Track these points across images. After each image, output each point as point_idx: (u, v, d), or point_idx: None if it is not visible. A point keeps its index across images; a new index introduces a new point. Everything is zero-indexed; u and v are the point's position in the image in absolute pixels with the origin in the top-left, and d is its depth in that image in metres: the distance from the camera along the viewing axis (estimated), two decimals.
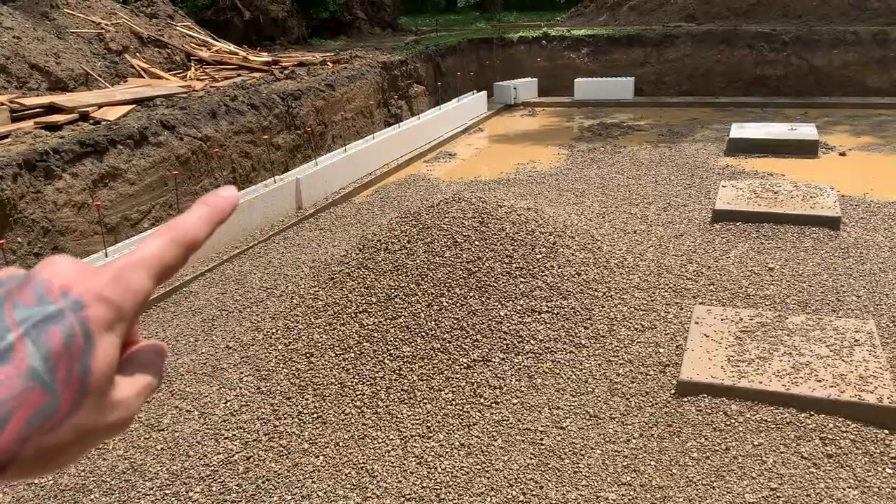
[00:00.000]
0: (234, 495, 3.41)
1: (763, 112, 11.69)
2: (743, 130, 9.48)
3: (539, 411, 3.86)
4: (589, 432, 3.68)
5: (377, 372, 4.18)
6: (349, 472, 3.51)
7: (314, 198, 7.79)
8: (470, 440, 3.68)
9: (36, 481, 3.54)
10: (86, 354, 0.42)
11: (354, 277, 4.85)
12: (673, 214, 6.85)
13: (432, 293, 4.57)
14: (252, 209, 6.88)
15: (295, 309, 4.88)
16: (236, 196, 0.52)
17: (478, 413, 3.87)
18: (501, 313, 4.47)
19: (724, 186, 7.14)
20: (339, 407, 3.98)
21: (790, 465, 3.35)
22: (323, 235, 6.90)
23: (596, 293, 4.80)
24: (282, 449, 3.70)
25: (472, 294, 4.56)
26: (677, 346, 4.36)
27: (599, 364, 4.23)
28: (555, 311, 4.54)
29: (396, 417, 3.87)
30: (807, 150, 8.90)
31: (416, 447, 3.65)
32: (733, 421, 3.65)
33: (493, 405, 3.93)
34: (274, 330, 4.77)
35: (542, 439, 3.65)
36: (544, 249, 4.93)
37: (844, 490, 3.18)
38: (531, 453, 3.55)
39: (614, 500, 3.22)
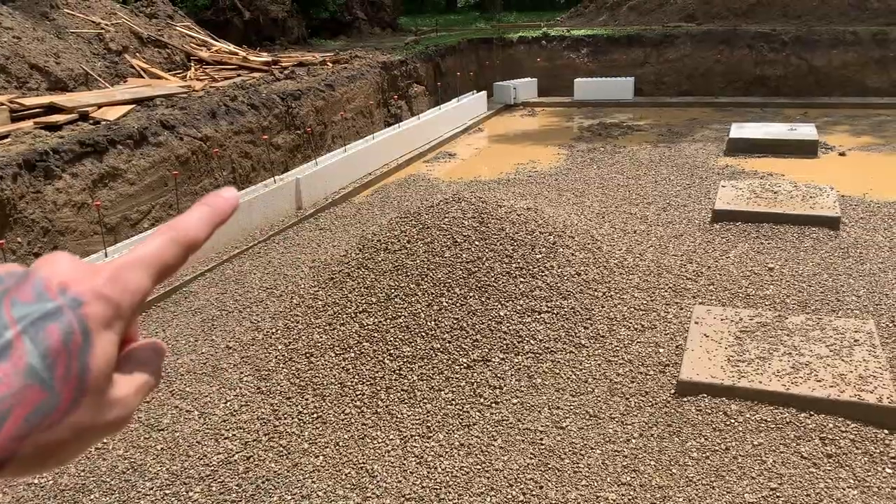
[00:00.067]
0: (234, 495, 3.41)
1: (763, 112, 11.69)
2: (742, 130, 9.48)
3: (539, 411, 3.86)
4: (589, 432, 3.68)
5: (377, 372, 4.18)
6: (349, 472, 3.51)
7: (314, 198, 7.79)
8: (470, 440, 3.68)
9: (35, 481, 3.54)
10: (84, 352, 0.42)
11: (354, 277, 4.85)
12: (673, 214, 6.85)
13: (432, 293, 4.57)
14: (252, 209, 6.87)
15: (295, 309, 4.88)
16: (237, 197, 0.52)
17: (478, 413, 3.87)
18: (501, 313, 4.47)
19: (723, 186, 7.14)
20: (338, 407, 3.98)
21: (790, 465, 3.35)
22: (323, 235, 6.90)
23: (596, 293, 4.80)
24: (282, 449, 3.70)
25: (471, 294, 4.56)
26: (677, 346, 4.36)
27: (599, 364, 4.23)
28: (555, 311, 4.54)
29: (396, 417, 3.87)
30: (806, 150, 8.91)
31: (415, 447, 3.65)
32: (733, 421, 3.65)
33: (493, 405, 3.93)
34: (274, 330, 4.76)
35: (541, 439, 3.65)
36: (544, 249, 4.93)
37: (844, 490, 3.18)
38: (531, 453, 3.55)
39: (614, 500, 3.22)
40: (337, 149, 9.02)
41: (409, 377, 4.13)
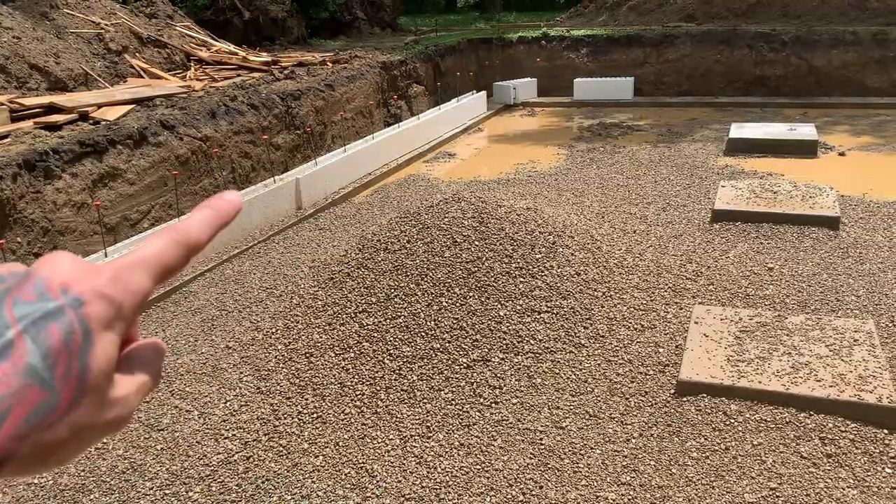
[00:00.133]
0: (234, 495, 3.41)
1: (762, 112, 11.69)
2: (742, 130, 9.48)
3: (539, 411, 3.86)
4: (588, 432, 3.68)
5: (377, 372, 4.18)
6: (349, 472, 3.51)
7: (314, 198, 7.79)
8: (469, 440, 3.68)
9: (35, 481, 3.54)
10: (85, 352, 0.42)
11: (354, 277, 4.85)
12: (672, 214, 6.85)
13: (432, 293, 4.57)
14: (252, 209, 6.87)
15: (294, 309, 4.88)
16: (240, 200, 0.53)
17: (477, 413, 3.87)
18: (501, 313, 4.47)
19: (723, 186, 7.14)
20: (338, 407, 3.98)
21: (790, 465, 3.35)
22: (322, 235, 6.90)
23: (595, 293, 4.80)
24: (281, 449, 3.70)
25: (471, 294, 4.56)
26: (677, 346, 4.36)
27: (599, 364, 4.23)
28: (554, 311, 4.54)
29: (396, 417, 3.87)
30: (806, 150, 8.91)
31: (415, 447, 3.65)
32: (733, 421, 3.65)
33: (493, 405, 3.93)
34: (273, 330, 4.76)
35: (541, 439, 3.65)
36: (544, 249, 4.93)
37: (844, 490, 3.18)
38: (531, 453, 3.55)
39: (614, 500, 3.22)
40: (337, 149, 9.02)
41: (409, 377, 4.13)
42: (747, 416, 3.67)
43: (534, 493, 3.29)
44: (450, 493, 3.33)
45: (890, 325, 4.55)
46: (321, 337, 4.50)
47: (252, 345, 4.68)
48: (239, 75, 9.86)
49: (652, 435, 3.63)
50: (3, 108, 6.34)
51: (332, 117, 9.28)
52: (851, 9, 13.51)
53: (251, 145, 7.78)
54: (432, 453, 3.60)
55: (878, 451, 3.41)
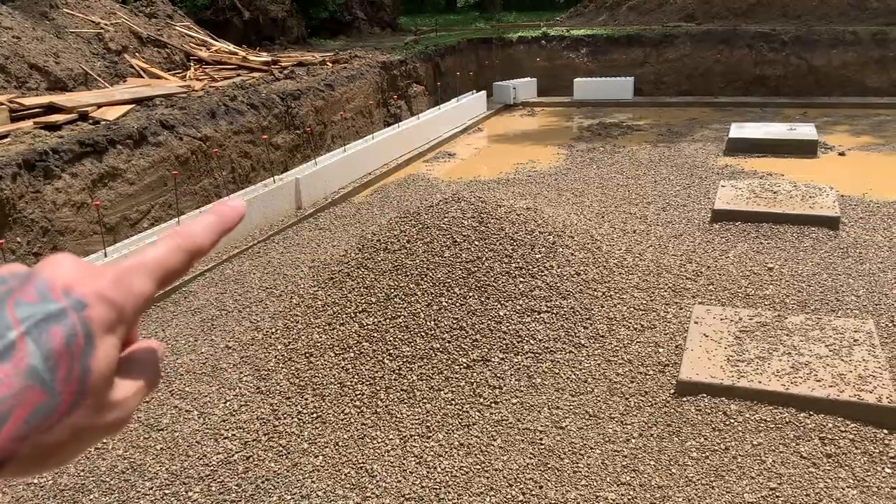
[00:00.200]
0: (234, 495, 3.41)
1: (762, 112, 11.69)
2: (742, 130, 9.48)
3: (538, 411, 3.86)
4: (588, 432, 3.68)
5: (377, 372, 4.18)
6: (348, 472, 3.51)
7: (313, 198, 7.79)
8: (469, 440, 3.68)
9: (35, 481, 3.54)
10: (86, 355, 0.42)
11: (354, 277, 4.85)
12: (672, 214, 6.85)
13: (432, 293, 4.57)
14: (251, 209, 6.87)
15: (294, 309, 4.88)
16: (243, 207, 0.53)
17: (477, 413, 3.87)
18: (501, 313, 4.47)
19: (723, 186, 7.14)
20: (338, 407, 3.98)
21: (789, 465, 3.35)
22: (322, 235, 6.90)
23: (595, 293, 4.80)
24: (281, 449, 3.70)
25: (471, 294, 4.56)
26: (677, 346, 4.36)
27: (599, 364, 4.23)
28: (554, 311, 4.54)
29: (396, 417, 3.87)
30: (806, 149, 8.91)
31: (415, 447, 3.65)
32: (732, 421, 3.66)
33: (493, 405, 3.93)
34: (273, 330, 4.76)
35: (541, 439, 3.65)
36: (544, 249, 4.93)
37: (844, 490, 3.18)
38: (530, 453, 3.55)
39: (614, 500, 3.22)
40: (336, 149, 9.02)
41: (409, 377, 4.13)
42: (747, 416, 3.67)
43: (534, 493, 3.29)
44: (449, 492, 3.33)
45: (890, 325, 4.55)
46: (321, 337, 4.50)
47: (252, 345, 4.68)
48: (239, 75, 9.86)
49: (652, 435, 3.63)
50: (3, 108, 6.34)
51: (331, 117, 9.28)
52: (851, 9, 13.52)
53: (251, 145, 7.78)
54: (432, 453, 3.60)
55: (877, 451, 3.41)
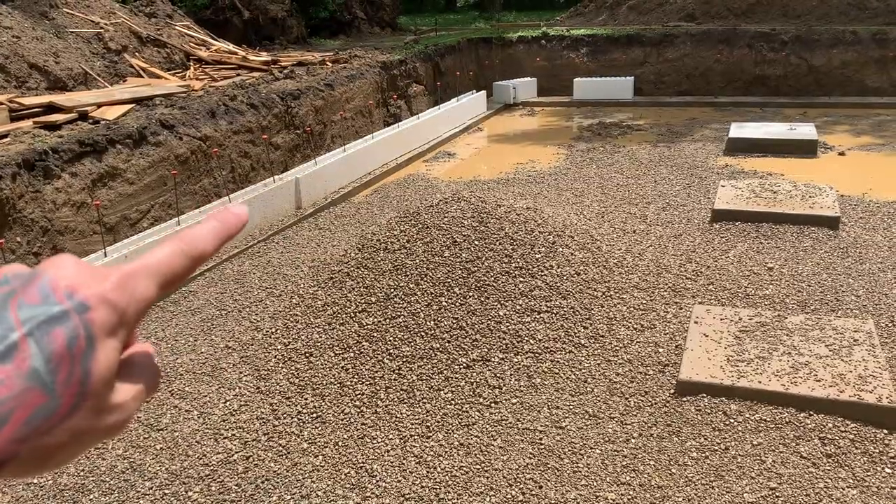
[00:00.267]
0: (234, 495, 3.41)
1: (762, 112, 11.69)
2: (742, 130, 9.48)
3: (538, 411, 3.86)
4: (588, 432, 3.68)
5: (376, 371, 4.18)
6: (348, 472, 3.51)
7: (313, 197, 7.79)
8: (469, 440, 3.68)
9: (35, 481, 3.54)
10: (87, 357, 0.42)
11: (354, 277, 4.85)
12: (672, 214, 6.85)
13: (431, 293, 4.57)
14: (251, 209, 6.85)
15: (294, 308, 4.88)
16: (246, 214, 0.53)
17: (477, 413, 3.87)
18: (501, 313, 4.47)
19: (723, 186, 7.14)
20: (338, 406, 3.98)
21: (789, 465, 3.35)
22: (322, 235, 6.90)
23: (595, 293, 4.80)
24: (281, 448, 3.70)
25: (471, 294, 4.56)
26: (676, 346, 4.36)
27: (599, 364, 4.23)
28: (554, 311, 4.54)
29: (396, 417, 3.87)
30: (806, 149, 8.91)
31: (415, 447, 3.65)
32: (732, 421, 3.66)
33: (493, 405, 3.93)
34: (273, 329, 4.76)
35: (541, 439, 3.65)
36: (543, 249, 4.93)
37: (843, 490, 3.18)
38: (530, 453, 3.55)
39: (613, 500, 3.22)
40: (336, 148, 9.01)
41: (409, 377, 4.13)
42: (747, 416, 3.67)
43: (533, 492, 3.29)
44: (449, 492, 3.33)
45: (890, 325, 4.55)
46: (321, 337, 4.50)
47: (251, 344, 4.68)
48: (238, 75, 9.86)
49: (652, 435, 3.63)
50: (3, 108, 6.34)
51: (331, 117, 9.28)
52: (851, 8, 13.51)
53: (251, 145, 7.78)
54: (432, 453, 3.60)
55: (877, 451, 3.41)
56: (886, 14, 13.11)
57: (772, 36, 12.50)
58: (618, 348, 4.38)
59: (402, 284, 4.65)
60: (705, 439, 3.56)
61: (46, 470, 0.44)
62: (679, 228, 6.44)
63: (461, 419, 3.83)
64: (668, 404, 3.85)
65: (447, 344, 4.29)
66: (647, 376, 4.11)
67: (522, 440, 3.65)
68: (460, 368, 4.17)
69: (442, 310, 4.47)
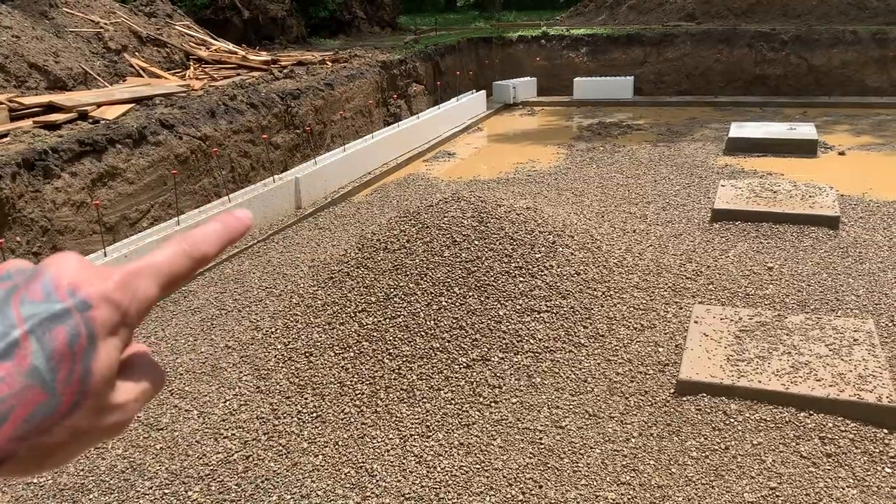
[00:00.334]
0: (234, 495, 3.40)
1: (762, 111, 11.69)
2: (742, 130, 9.48)
3: (538, 410, 3.86)
4: (588, 431, 3.68)
5: (376, 371, 4.18)
6: (348, 472, 3.51)
7: (313, 197, 7.78)
8: (469, 439, 3.68)
9: (35, 480, 3.54)
10: (88, 356, 0.42)
11: (353, 277, 4.85)
12: (672, 214, 6.85)
13: (431, 292, 4.57)
14: (251, 208, 6.85)
15: (294, 308, 4.88)
16: (250, 218, 0.53)
17: (477, 412, 3.87)
18: (500, 312, 4.46)
19: (723, 186, 7.14)
20: (338, 406, 3.98)
21: (789, 465, 3.35)
22: (322, 235, 6.90)
23: (595, 292, 4.80)
24: (281, 448, 3.70)
25: (471, 293, 4.55)
26: (676, 346, 4.36)
27: (598, 363, 4.23)
28: (554, 311, 4.54)
29: (395, 417, 3.87)
30: (806, 149, 8.91)
31: (415, 446, 3.65)
32: (732, 420, 3.65)
33: (493, 404, 3.93)
34: (273, 329, 4.76)
35: (541, 438, 3.65)
36: (543, 249, 4.93)
37: (843, 489, 3.18)
38: (530, 452, 3.55)
39: (613, 500, 3.22)
40: (336, 148, 9.01)
41: (409, 376, 4.13)
42: (747, 415, 3.67)
43: (533, 492, 3.29)
44: (449, 492, 3.33)
45: (890, 324, 4.55)
46: (321, 336, 4.50)
47: (251, 344, 4.68)
48: (238, 74, 9.85)
49: (652, 434, 3.63)
50: (3, 107, 6.34)
51: (331, 116, 9.27)
52: (851, 8, 13.51)
53: (250, 144, 7.78)
54: (432, 452, 3.60)
55: (877, 450, 3.41)
56: (886, 14, 13.11)
57: (772, 36, 12.50)
58: (618, 348, 4.38)
59: (401, 284, 4.65)
60: (705, 439, 3.55)
61: (45, 469, 0.44)
62: (679, 228, 6.44)
63: (461, 419, 3.83)
64: (668, 404, 3.85)
65: (447, 343, 4.29)
66: (647, 376, 4.11)
67: (522, 440, 3.65)
68: (460, 368, 4.17)
69: (442, 309, 4.47)
